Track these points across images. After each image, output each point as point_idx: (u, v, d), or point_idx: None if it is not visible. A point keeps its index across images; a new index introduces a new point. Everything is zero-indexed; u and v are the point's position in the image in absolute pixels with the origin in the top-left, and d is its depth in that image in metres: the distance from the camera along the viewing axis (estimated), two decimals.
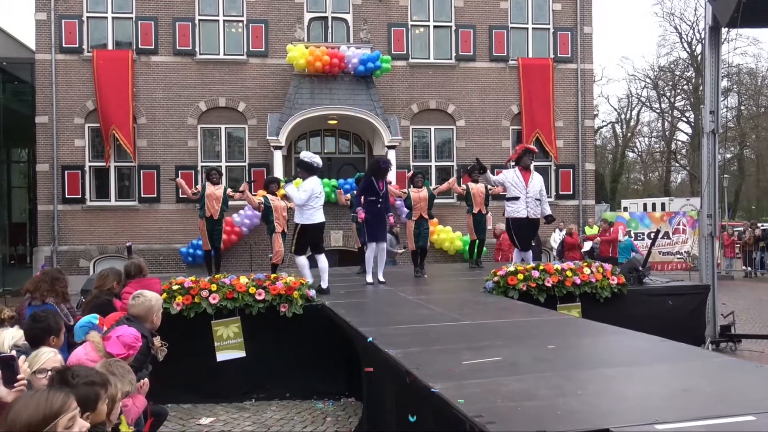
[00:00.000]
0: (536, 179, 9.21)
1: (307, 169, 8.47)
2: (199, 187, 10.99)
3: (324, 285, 8.19)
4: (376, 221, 9.08)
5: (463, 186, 11.90)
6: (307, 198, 8.30)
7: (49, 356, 3.31)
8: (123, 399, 3.19)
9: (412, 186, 10.86)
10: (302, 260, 8.52)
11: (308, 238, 8.49)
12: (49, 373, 3.02)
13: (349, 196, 11.36)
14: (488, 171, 9.38)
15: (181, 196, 11.61)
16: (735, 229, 23.39)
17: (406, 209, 11.37)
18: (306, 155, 8.68)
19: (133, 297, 4.57)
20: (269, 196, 10.17)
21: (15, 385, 2.84)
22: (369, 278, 9.25)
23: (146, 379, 3.92)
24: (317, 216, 8.45)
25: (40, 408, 2.21)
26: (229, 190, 10.98)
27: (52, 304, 5.28)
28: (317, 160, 8.60)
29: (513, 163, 9.37)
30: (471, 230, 11.77)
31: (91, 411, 2.63)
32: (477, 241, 11.83)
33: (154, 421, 4.54)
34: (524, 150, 9.33)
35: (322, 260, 8.48)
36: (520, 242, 9.20)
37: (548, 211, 9.28)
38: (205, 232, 10.70)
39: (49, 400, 2.25)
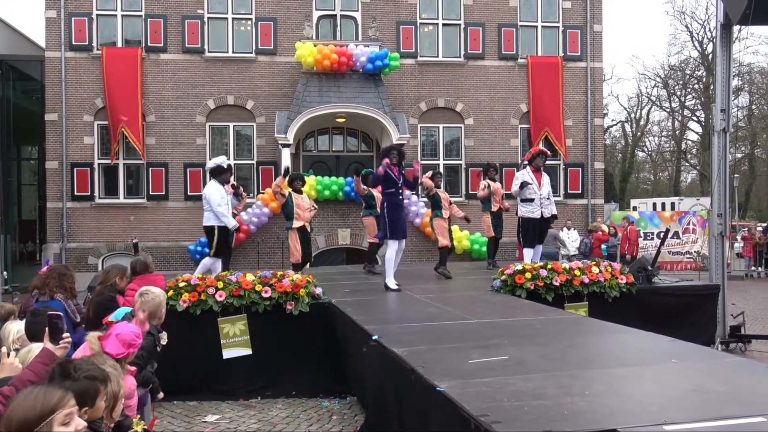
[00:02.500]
0: (546, 180, 9.39)
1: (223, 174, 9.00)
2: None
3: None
4: (397, 215, 8.27)
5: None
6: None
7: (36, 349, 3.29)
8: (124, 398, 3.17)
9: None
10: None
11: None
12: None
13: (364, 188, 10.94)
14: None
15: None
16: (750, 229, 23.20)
17: (420, 205, 11.25)
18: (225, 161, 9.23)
19: (141, 294, 4.53)
20: (293, 194, 10.13)
21: (60, 342, 3.00)
22: (392, 283, 8.23)
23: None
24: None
25: (38, 403, 2.18)
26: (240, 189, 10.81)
27: (60, 301, 5.27)
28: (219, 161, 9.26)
29: (525, 163, 9.41)
30: (489, 229, 11.41)
31: (89, 406, 2.61)
32: (495, 239, 11.61)
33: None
34: (538, 152, 9.51)
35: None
36: (528, 240, 9.27)
37: (554, 210, 9.51)
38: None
39: (47, 395, 2.22)
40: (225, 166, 9.07)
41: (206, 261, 8.88)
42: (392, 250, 8.30)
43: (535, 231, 9.27)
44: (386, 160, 8.26)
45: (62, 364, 2.71)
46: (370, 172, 10.95)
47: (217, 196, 8.69)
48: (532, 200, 9.16)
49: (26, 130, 21.98)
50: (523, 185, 9.18)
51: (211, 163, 9.32)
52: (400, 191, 8.32)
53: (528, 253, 9.20)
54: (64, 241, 18.13)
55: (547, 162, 17.73)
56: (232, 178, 11.01)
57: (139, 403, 3.94)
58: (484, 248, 13.89)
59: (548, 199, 9.30)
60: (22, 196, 25.53)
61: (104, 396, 2.74)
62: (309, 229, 10.39)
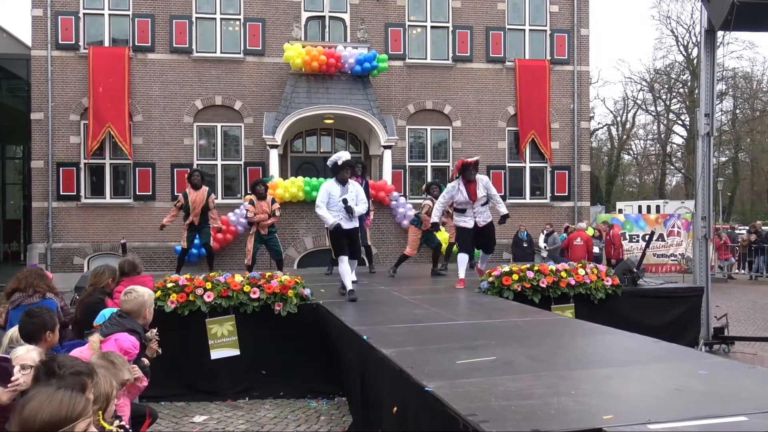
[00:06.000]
0: (482, 186, 8.86)
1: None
2: (180, 198, 10.47)
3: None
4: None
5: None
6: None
7: (21, 352, 3.28)
8: (120, 391, 3.17)
9: (429, 195, 10.71)
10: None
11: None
12: (31, 368, 3.00)
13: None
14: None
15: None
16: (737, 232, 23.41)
17: (401, 211, 11.36)
18: (340, 157, 8.09)
19: (125, 293, 4.53)
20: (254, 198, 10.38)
21: (9, 385, 2.84)
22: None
23: (144, 377, 3.89)
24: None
25: (63, 408, 2.16)
26: (211, 198, 10.41)
27: (54, 300, 5.22)
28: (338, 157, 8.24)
29: (457, 176, 9.04)
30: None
31: None
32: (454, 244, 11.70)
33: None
34: (462, 165, 8.99)
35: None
36: (461, 246, 9.08)
37: (504, 210, 8.96)
38: (186, 233, 10.49)
39: (72, 401, 2.20)
40: (340, 163, 7.89)
41: (339, 267, 8.07)
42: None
43: (469, 239, 8.97)
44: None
45: (47, 363, 2.69)
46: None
47: (323, 194, 7.86)
48: (463, 211, 8.90)
49: (12, 129, 21.82)
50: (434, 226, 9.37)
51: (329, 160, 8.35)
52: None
53: (462, 259, 8.93)
54: (50, 241, 18.01)
55: (535, 164, 17.65)
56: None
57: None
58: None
59: (484, 204, 8.87)
60: (6, 196, 25.36)
61: (91, 389, 2.73)
62: (266, 232, 10.57)
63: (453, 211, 9.26)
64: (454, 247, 11.93)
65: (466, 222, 8.89)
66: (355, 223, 8.05)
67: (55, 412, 2.14)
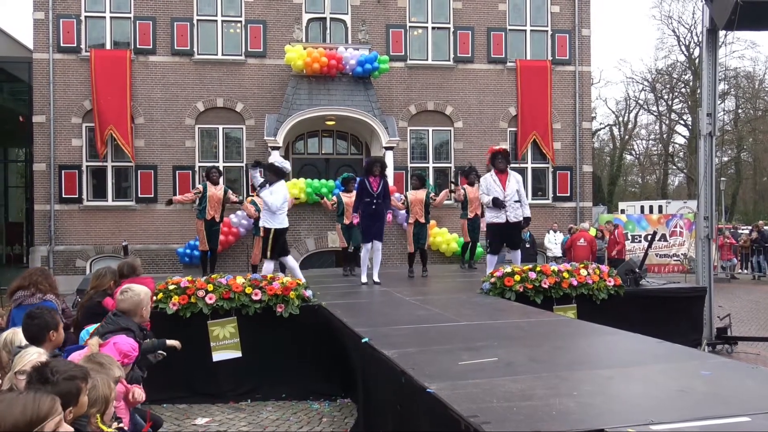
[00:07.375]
0: (513, 180, 8.79)
1: (277, 174, 8.50)
2: (199, 187, 10.79)
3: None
4: (369, 222, 9.12)
5: (461, 191, 11.49)
6: (282, 202, 8.41)
7: (33, 357, 3.25)
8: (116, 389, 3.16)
9: (411, 188, 11.00)
10: (271, 265, 8.47)
11: (281, 242, 8.53)
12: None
13: (335, 198, 11.46)
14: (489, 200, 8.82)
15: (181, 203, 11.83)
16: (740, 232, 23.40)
17: (402, 212, 11.48)
18: (278, 160, 8.76)
19: (122, 292, 4.50)
20: (257, 199, 10.33)
21: None
22: (363, 278, 9.36)
23: (142, 392, 3.83)
24: (286, 220, 8.57)
25: (27, 411, 2.13)
26: (229, 192, 10.86)
27: (54, 302, 5.21)
28: (287, 165, 8.83)
29: (489, 166, 8.98)
30: (465, 233, 11.76)
31: (73, 405, 2.59)
32: (470, 243, 11.82)
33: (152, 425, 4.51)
34: (493, 153, 8.90)
35: (291, 260, 8.73)
36: (493, 247, 8.92)
37: (528, 213, 8.90)
38: (203, 232, 10.65)
39: (36, 402, 2.17)
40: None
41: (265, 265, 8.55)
42: (365, 252, 9.31)
43: (500, 237, 8.82)
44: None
45: (39, 369, 2.64)
46: (351, 176, 11.43)
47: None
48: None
49: (13, 132, 21.85)
50: (495, 202, 8.63)
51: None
52: (374, 201, 9.04)
53: (491, 260, 8.82)
54: (52, 244, 18.03)
55: (537, 165, 17.62)
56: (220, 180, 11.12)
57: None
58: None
59: (517, 201, 8.72)
60: (9, 198, 25.39)
61: (86, 392, 2.71)
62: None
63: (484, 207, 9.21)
64: (479, 248, 12.09)
65: (498, 217, 8.68)
66: (271, 224, 8.38)
67: (19, 416, 2.11)
